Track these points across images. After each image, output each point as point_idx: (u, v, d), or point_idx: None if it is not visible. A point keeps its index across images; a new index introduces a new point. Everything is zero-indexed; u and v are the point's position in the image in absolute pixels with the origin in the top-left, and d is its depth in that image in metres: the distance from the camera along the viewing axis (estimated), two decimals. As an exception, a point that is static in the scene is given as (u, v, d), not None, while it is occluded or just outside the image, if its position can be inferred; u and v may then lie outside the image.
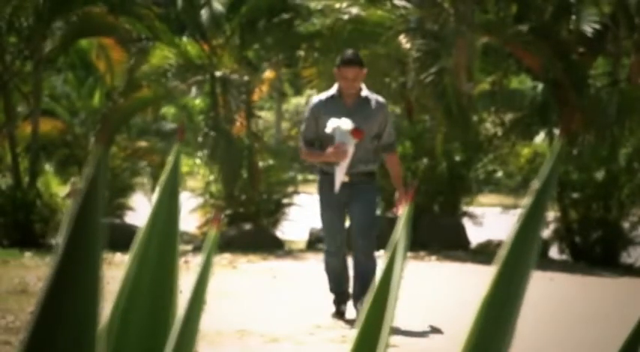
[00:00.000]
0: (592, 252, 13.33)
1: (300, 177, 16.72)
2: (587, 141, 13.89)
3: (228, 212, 14.61)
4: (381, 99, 7.23)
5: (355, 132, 6.86)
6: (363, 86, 7.18)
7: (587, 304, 9.36)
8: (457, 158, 14.14)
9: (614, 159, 13.49)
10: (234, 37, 15.22)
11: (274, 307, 8.53)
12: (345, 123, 6.89)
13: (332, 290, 7.49)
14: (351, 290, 7.37)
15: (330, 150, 6.91)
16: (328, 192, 7.06)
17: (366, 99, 7.14)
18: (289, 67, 24.76)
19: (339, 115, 6.95)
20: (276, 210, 15.06)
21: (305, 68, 15.76)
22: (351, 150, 6.86)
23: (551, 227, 13.66)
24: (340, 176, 6.92)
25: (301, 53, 16.16)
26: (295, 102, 35.11)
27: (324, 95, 7.26)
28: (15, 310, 7.81)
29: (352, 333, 0.80)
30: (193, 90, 16.84)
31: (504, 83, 16.48)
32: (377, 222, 7.28)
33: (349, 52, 7.29)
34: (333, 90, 7.20)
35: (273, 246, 13.78)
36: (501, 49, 15.19)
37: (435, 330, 7.44)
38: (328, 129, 6.88)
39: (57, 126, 16.84)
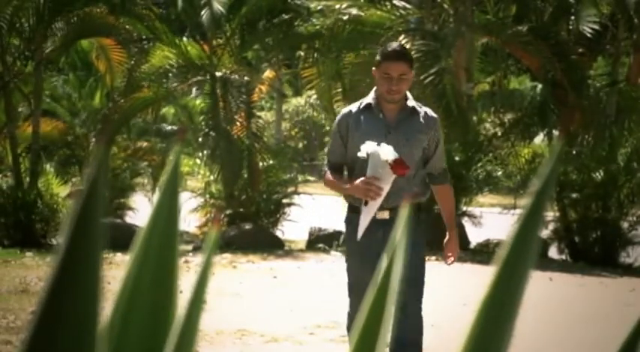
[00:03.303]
0: (591, 252, 13.34)
1: (300, 177, 16.73)
2: (586, 141, 13.91)
3: (228, 212, 14.63)
4: (432, 112, 5.33)
5: (397, 165, 4.92)
6: (410, 96, 5.31)
7: (586, 304, 9.37)
8: (457, 158, 14.15)
9: (613, 159, 13.50)
10: (235, 38, 15.24)
11: (274, 307, 8.53)
12: (386, 152, 4.91)
13: None
14: None
15: (357, 182, 4.98)
16: (363, 236, 5.07)
17: (413, 112, 5.23)
18: (289, 68, 24.81)
19: (374, 132, 5.11)
20: (276, 210, 15.08)
21: (305, 68, 15.77)
22: (386, 188, 4.93)
23: (551, 227, 13.68)
24: (366, 220, 5.01)
25: (301, 53, 16.19)
26: (295, 102, 35.14)
27: (355, 105, 5.31)
28: (16, 310, 7.82)
29: (352, 333, 0.80)
30: (193, 90, 16.88)
31: (504, 83, 16.51)
32: (424, 272, 5.46)
33: (394, 44, 5.48)
34: (369, 98, 5.26)
35: (273, 246, 13.79)
36: (501, 50, 15.22)
37: (435, 330, 7.45)
38: (362, 153, 4.97)
39: (58, 127, 16.86)
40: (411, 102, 5.25)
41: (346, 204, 5.31)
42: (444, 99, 13.61)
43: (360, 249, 5.08)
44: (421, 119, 5.21)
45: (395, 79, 5.10)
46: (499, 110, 15.69)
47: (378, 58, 5.23)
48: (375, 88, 5.26)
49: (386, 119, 5.18)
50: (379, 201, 4.96)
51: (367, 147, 4.95)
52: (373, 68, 5.26)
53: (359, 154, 4.97)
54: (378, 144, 4.95)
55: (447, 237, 5.40)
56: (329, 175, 5.26)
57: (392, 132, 5.13)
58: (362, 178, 4.95)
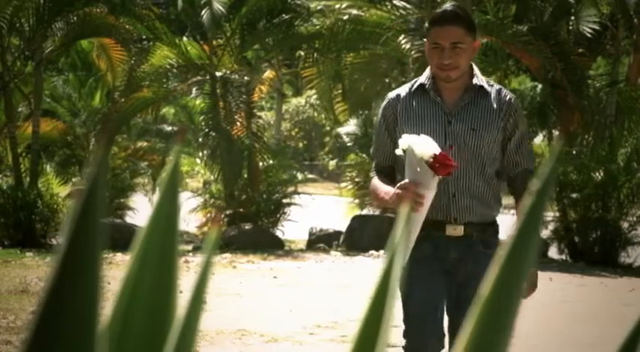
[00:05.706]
0: (591, 252, 13.34)
1: (300, 176, 16.72)
2: (586, 141, 13.91)
3: (228, 212, 14.63)
4: (507, 92, 3.95)
5: (439, 164, 3.61)
6: (477, 70, 3.95)
7: (586, 304, 9.37)
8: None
9: (613, 159, 13.50)
10: (235, 38, 15.24)
11: (274, 307, 8.53)
12: (424, 145, 3.63)
13: None
14: None
15: (391, 191, 3.70)
16: (422, 251, 3.73)
17: (481, 93, 3.88)
18: (289, 68, 24.81)
19: (430, 122, 3.86)
20: (276, 210, 15.09)
21: (305, 68, 15.78)
22: (430, 195, 3.63)
23: (551, 227, 13.68)
24: (410, 238, 3.61)
25: (301, 53, 16.19)
26: (295, 102, 35.14)
27: (405, 87, 3.97)
28: (16, 310, 7.82)
29: (352, 333, 0.80)
30: (193, 90, 16.89)
31: (504, 83, 16.50)
32: None
33: (447, 4, 4.06)
34: (423, 77, 3.93)
35: (273, 246, 13.79)
36: (501, 50, 15.21)
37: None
38: (398, 151, 3.66)
39: (58, 127, 16.87)
40: (478, 80, 3.90)
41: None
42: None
43: (425, 266, 3.75)
44: (492, 101, 3.87)
45: (447, 50, 3.76)
46: (499, 110, 15.68)
47: (427, 24, 3.99)
48: (428, 68, 3.95)
49: (445, 104, 3.86)
50: (423, 212, 3.62)
51: (403, 142, 3.67)
52: (424, 39, 3.97)
53: (396, 152, 3.68)
54: (415, 135, 3.69)
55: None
56: (374, 182, 3.90)
57: (453, 121, 3.85)
58: (400, 183, 3.66)
